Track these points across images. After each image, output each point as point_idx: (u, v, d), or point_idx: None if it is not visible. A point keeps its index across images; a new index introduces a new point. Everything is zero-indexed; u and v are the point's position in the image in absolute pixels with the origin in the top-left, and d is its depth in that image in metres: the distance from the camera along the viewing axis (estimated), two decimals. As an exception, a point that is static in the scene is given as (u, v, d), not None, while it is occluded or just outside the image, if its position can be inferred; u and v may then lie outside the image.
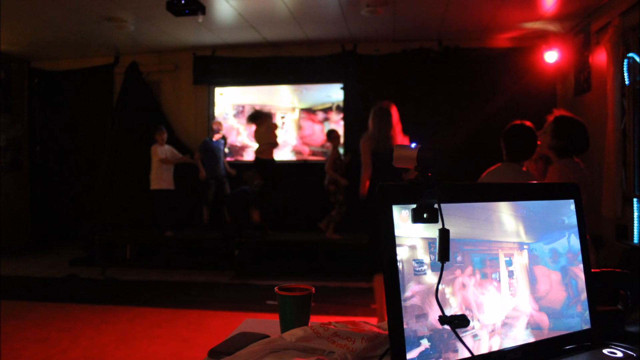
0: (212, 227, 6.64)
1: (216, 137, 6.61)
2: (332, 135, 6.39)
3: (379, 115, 3.40)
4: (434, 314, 0.74)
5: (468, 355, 0.74)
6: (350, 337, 0.87)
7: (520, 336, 0.83)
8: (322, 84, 7.21)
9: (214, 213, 6.69)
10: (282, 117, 7.30)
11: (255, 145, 6.20)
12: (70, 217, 7.40)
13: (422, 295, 0.75)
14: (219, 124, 6.77)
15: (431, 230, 0.76)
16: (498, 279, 0.83)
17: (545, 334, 0.86)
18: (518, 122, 2.78)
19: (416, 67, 6.59)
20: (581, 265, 0.93)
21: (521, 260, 0.87)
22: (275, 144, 6.15)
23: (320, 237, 6.19)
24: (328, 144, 6.59)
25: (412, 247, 0.76)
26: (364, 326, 0.92)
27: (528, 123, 2.78)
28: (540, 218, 0.90)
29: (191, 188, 6.72)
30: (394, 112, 3.41)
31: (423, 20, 5.87)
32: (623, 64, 4.56)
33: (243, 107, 7.42)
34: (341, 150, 6.67)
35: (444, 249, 0.73)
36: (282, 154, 7.24)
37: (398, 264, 0.74)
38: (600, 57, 4.96)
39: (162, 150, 6.34)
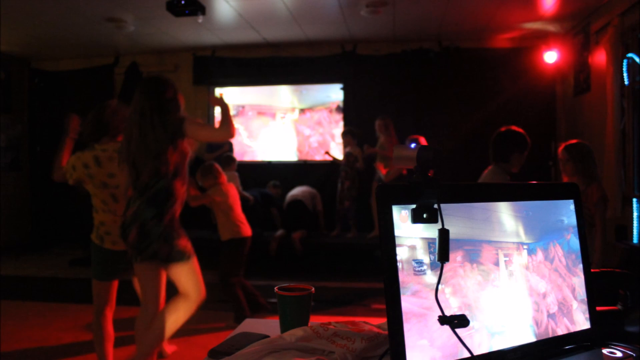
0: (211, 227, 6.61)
1: None
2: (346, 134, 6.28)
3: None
4: (434, 314, 0.74)
5: (468, 355, 0.74)
6: (350, 337, 0.87)
7: (520, 336, 0.83)
8: (322, 84, 7.20)
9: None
10: (282, 117, 7.30)
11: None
12: (71, 217, 7.39)
13: (422, 296, 0.75)
14: None
15: (431, 230, 0.76)
16: (498, 279, 0.84)
17: (545, 334, 0.86)
18: (504, 128, 2.91)
19: (416, 68, 6.58)
20: (581, 265, 0.93)
21: (521, 260, 0.87)
22: None
23: (319, 237, 6.19)
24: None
25: (412, 247, 0.76)
26: (363, 326, 0.92)
27: (515, 128, 2.87)
28: (540, 218, 0.90)
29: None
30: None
31: (423, 20, 5.87)
32: (622, 64, 4.56)
33: (243, 107, 7.42)
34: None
35: (443, 249, 0.73)
36: (283, 154, 7.24)
37: (398, 264, 0.74)
38: (599, 58, 4.96)
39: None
